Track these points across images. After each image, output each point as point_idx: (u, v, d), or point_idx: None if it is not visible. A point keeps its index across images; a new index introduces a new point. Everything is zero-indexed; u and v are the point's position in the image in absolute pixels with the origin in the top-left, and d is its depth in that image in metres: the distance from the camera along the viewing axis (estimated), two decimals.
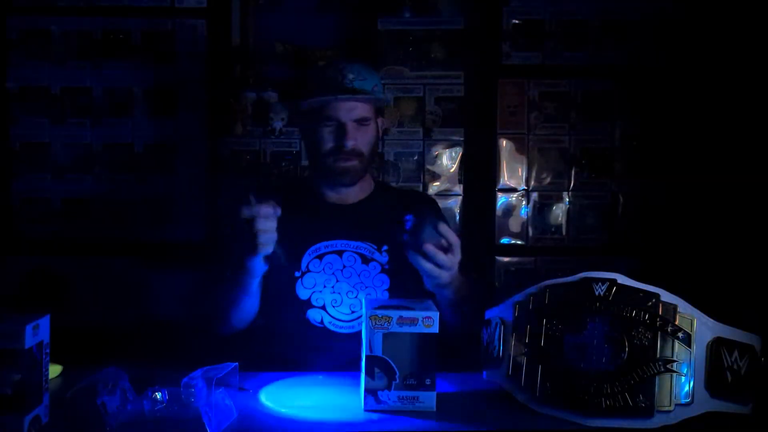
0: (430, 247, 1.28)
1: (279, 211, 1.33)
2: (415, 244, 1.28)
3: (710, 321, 1.08)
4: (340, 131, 1.52)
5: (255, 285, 1.43)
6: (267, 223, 1.31)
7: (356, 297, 1.53)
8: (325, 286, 1.54)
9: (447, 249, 1.30)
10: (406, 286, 1.51)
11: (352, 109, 1.52)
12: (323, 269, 1.55)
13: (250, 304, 1.48)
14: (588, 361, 1.09)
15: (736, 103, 2.07)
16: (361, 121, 1.54)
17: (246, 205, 1.31)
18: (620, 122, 2.15)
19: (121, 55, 2.13)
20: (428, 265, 1.29)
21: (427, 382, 1.14)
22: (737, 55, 2.08)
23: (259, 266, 1.37)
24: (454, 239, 1.30)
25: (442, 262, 1.29)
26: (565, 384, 1.10)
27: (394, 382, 1.13)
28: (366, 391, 1.14)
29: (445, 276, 1.32)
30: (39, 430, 1.04)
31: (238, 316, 1.49)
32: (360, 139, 1.54)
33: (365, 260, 1.55)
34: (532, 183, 2.17)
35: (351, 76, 1.52)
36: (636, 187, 2.15)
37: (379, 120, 1.63)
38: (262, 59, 2.20)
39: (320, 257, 1.55)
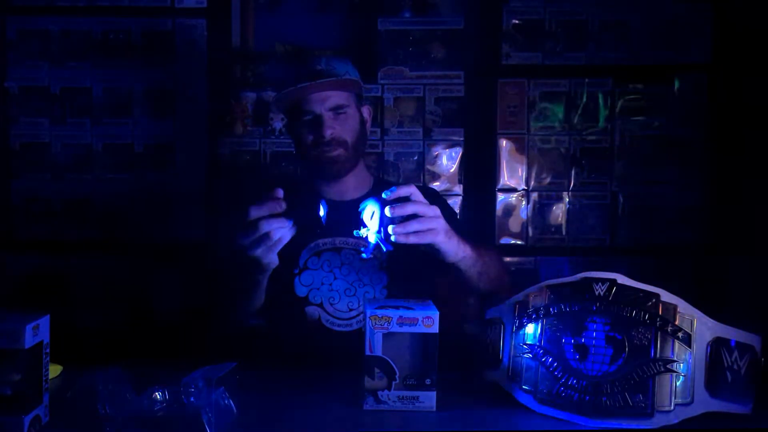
0: (398, 229, 1.25)
1: (284, 206, 1.27)
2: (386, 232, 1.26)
3: (710, 321, 1.08)
4: (317, 122, 1.51)
5: (266, 278, 1.40)
6: (278, 221, 1.26)
7: (354, 295, 1.53)
8: (322, 284, 1.54)
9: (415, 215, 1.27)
10: (404, 283, 1.51)
11: (326, 99, 1.52)
12: (321, 266, 1.54)
13: (258, 296, 1.46)
14: (588, 361, 1.09)
15: (737, 101, 2.07)
16: (337, 110, 1.53)
17: (257, 204, 1.26)
18: (620, 122, 2.15)
19: (121, 55, 2.13)
20: (412, 238, 1.27)
21: (427, 382, 1.14)
22: (738, 53, 2.08)
23: (273, 262, 1.32)
24: (413, 207, 1.26)
25: (417, 227, 1.26)
26: (565, 384, 1.10)
27: (394, 382, 1.13)
28: (366, 391, 1.14)
29: (439, 237, 1.29)
30: (39, 430, 1.03)
31: (248, 309, 1.47)
32: (339, 128, 1.52)
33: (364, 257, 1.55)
34: (532, 183, 2.17)
35: (319, 67, 1.52)
36: (636, 187, 2.15)
37: (364, 109, 1.62)
38: (262, 59, 2.20)
39: (318, 254, 1.55)
